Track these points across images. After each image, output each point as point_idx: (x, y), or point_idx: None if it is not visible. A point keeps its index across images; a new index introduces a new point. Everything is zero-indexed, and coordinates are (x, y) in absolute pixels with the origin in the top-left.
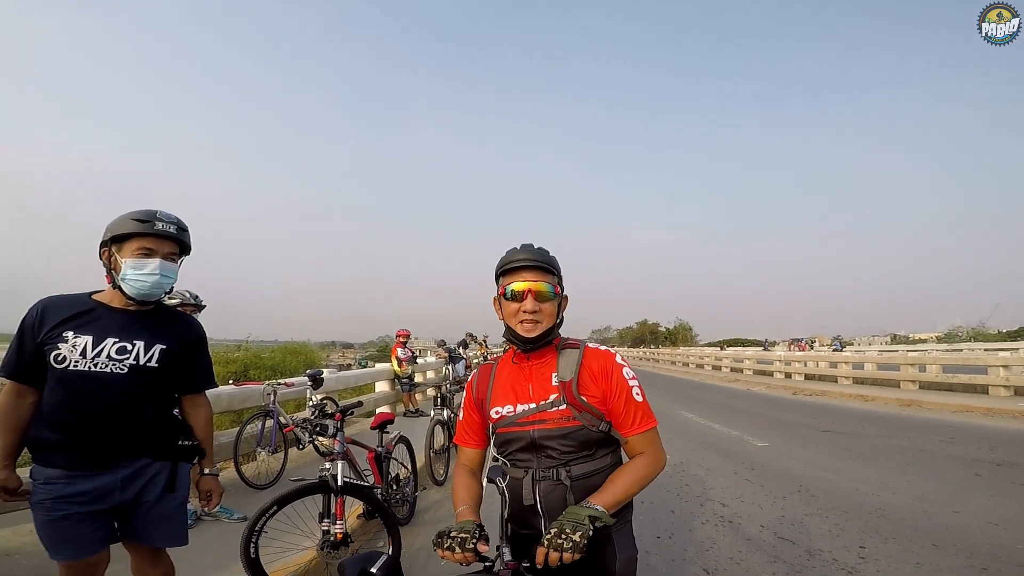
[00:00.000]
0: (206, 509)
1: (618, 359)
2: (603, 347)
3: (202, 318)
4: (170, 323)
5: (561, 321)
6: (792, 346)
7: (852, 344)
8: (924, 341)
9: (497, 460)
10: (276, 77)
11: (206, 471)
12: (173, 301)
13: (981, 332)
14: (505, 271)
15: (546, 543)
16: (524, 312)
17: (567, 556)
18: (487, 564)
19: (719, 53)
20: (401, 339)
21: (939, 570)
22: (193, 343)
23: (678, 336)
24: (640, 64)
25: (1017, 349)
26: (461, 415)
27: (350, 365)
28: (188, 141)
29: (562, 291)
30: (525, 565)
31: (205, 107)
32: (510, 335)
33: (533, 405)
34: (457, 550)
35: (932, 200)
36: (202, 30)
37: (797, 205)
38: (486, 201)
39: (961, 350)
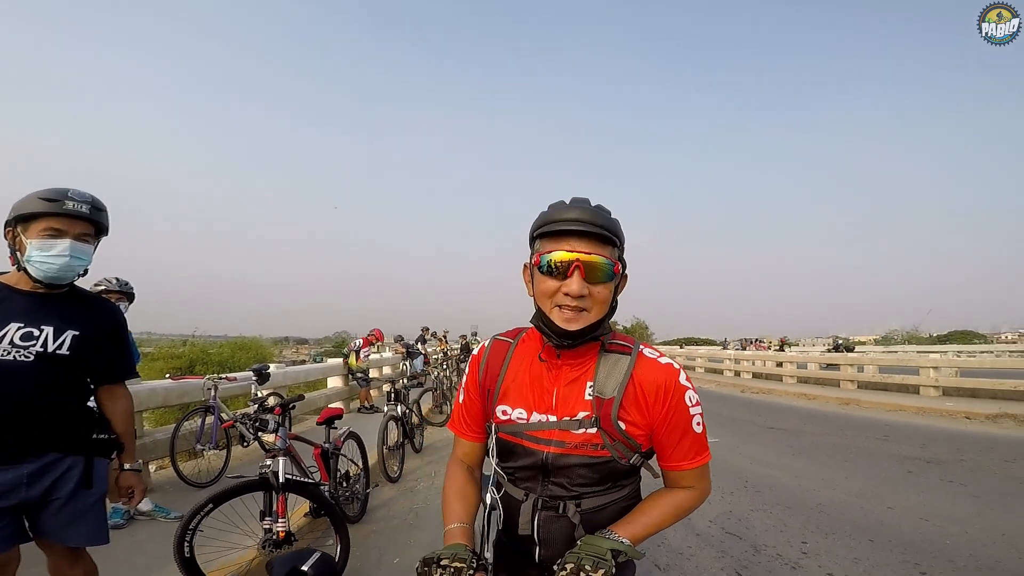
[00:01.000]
0: (129, 507)
1: (682, 378)
2: (665, 358)
3: (146, 311)
4: (86, 308)
5: (614, 309)
6: (752, 346)
7: (797, 345)
8: (863, 343)
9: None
10: (233, 65)
11: (127, 466)
12: (99, 288)
13: (915, 335)
14: (546, 233)
15: None
16: (566, 295)
17: None
18: None
19: (693, 52)
20: (373, 339)
21: (875, 565)
22: (112, 330)
23: (634, 335)
24: (617, 66)
25: (946, 352)
26: (460, 396)
27: (304, 361)
28: (135, 121)
29: (623, 269)
30: None
31: (159, 88)
32: (541, 321)
33: (554, 419)
34: None
35: (874, 214)
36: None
37: (748, 213)
38: (446, 195)
39: (896, 352)
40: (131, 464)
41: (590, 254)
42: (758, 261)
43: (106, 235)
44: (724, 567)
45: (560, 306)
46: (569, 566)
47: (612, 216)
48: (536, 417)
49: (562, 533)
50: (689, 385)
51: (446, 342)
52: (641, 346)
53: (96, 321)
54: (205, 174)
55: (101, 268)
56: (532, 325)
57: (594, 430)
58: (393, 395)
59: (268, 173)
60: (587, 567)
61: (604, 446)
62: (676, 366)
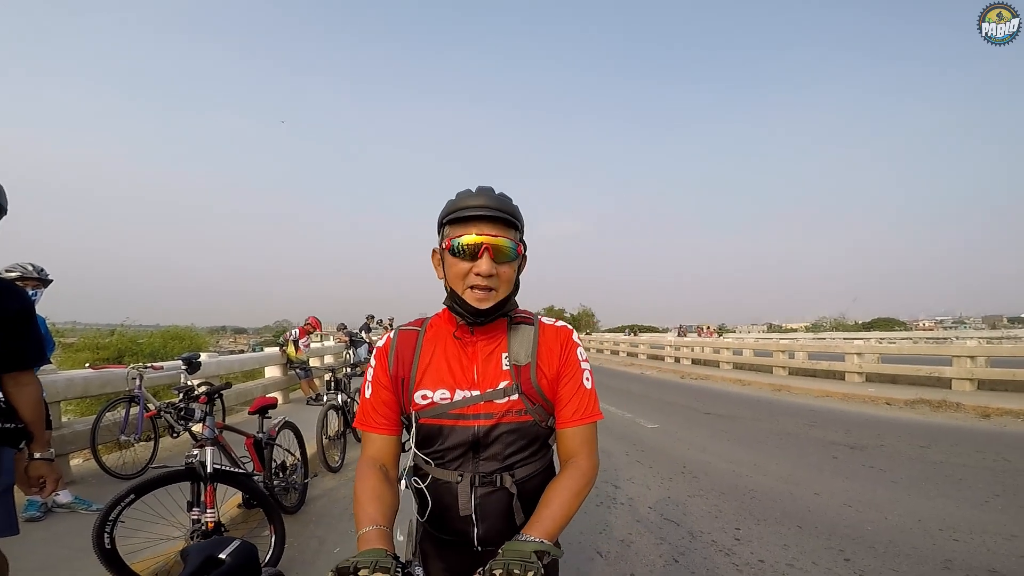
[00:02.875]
0: (43, 498)
1: (574, 336)
2: (560, 322)
3: (72, 300)
4: None
5: (517, 288)
6: (697, 332)
7: (733, 332)
8: (795, 330)
9: (412, 453)
10: (171, 44)
11: (37, 455)
12: (12, 274)
13: (842, 323)
14: (454, 219)
15: None
16: (477, 275)
17: None
18: None
19: (638, 44)
20: (310, 328)
21: (803, 551)
22: (16, 314)
23: (581, 322)
24: (562, 57)
25: (869, 338)
26: (367, 392)
27: (242, 351)
28: (62, 105)
29: (525, 249)
30: None
31: (88, 70)
32: (454, 302)
33: (477, 393)
34: None
35: (809, 206)
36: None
37: (688, 203)
38: (388, 182)
39: (824, 338)
40: (42, 453)
41: (496, 236)
42: (697, 250)
43: (4, 215)
44: (662, 554)
45: (472, 287)
46: (498, 571)
47: (513, 203)
48: (460, 394)
49: (500, 506)
50: (579, 343)
51: (392, 329)
52: (539, 316)
53: None
54: (146, 157)
55: (26, 252)
56: (437, 311)
57: (516, 396)
58: (333, 384)
59: (206, 157)
60: (516, 571)
61: (526, 411)
62: (569, 327)
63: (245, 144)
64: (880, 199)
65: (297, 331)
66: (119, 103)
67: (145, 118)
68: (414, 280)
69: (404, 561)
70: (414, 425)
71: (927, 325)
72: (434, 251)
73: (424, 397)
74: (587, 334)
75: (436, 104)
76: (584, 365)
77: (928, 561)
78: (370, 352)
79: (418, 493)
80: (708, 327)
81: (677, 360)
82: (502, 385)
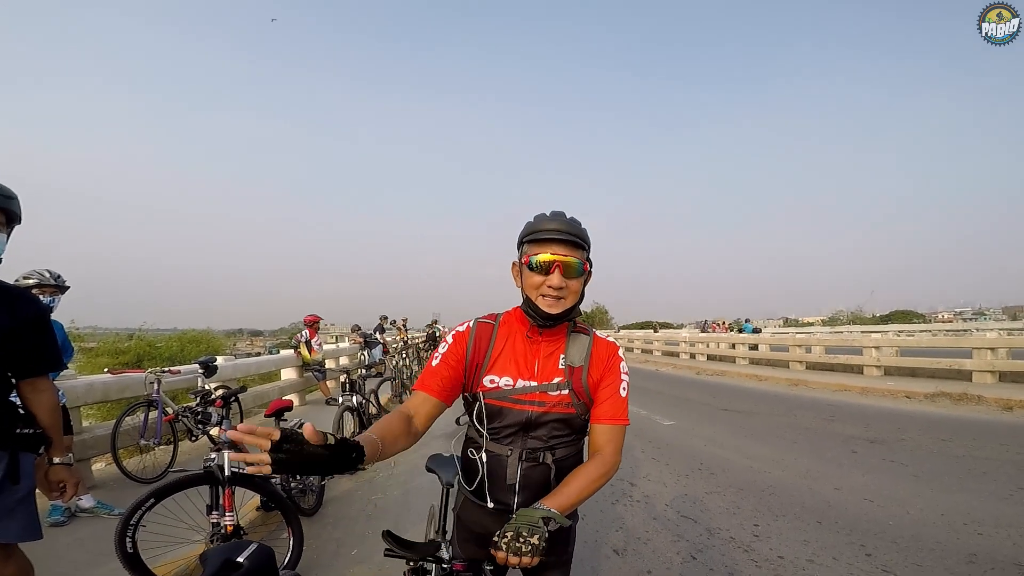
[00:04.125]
0: (65, 502)
1: (620, 352)
2: (610, 338)
3: (91, 305)
4: (0, 299)
5: (583, 298)
6: (714, 328)
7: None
8: (811, 324)
9: (466, 428)
10: (171, 44)
11: (56, 460)
12: (29, 281)
13: (859, 316)
14: (532, 239)
15: (504, 547)
16: (549, 287)
17: (526, 560)
18: (444, 566)
19: (649, 44)
20: (309, 323)
21: (824, 547)
22: (30, 321)
23: (595, 319)
24: (574, 54)
25: (887, 331)
26: (435, 361)
27: (259, 354)
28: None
29: (591, 267)
30: (488, 568)
31: (100, 72)
32: (529, 307)
33: (535, 383)
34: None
35: (826, 200)
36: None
37: (704, 200)
38: (405, 185)
39: (841, 332)
40: (61, 458)
41: (567, 256)
42: (712, 246)
43: (19, 223)
44: (680, 551)
45: (544, 295)
46: (509, 533)
47: (582, 226)
48: (521, 383)
49: (540, 478)
50: (623, 359)
51: (405, 331)
52: (595, 331)
53: (12, 312)
54: (166, 165)
55: (44, 259)
56: (506, 311)
57: (566, 392)
58: (348, 385)
59: (222, 164)
60: (524, 533)
61: (572, 404)
62: (617, 344)
63: (260, 147)
64: (897, 191)
65: (307, 332)
66: (134, 105)
67: (160, 120)
68: (429, 280)
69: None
70: (480, 403)
71: (946, 317)
72: (514, 264)
73: (492, 381)
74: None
75: (450, 104)
76: (624, 377)
77: (952, 555)
78: (384, 353)
79: (472, 463)
80: (723, 322)
81: (692, 356)
82: (556, 380)
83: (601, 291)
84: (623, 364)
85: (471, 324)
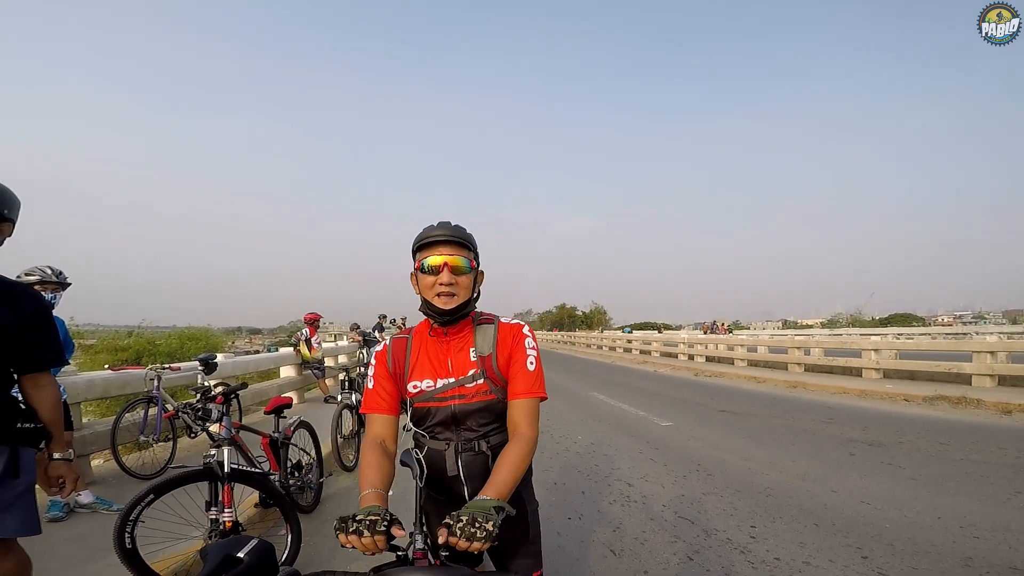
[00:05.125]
0: (64, 498)
1: (525, 330)
2: (515, 320)
3: (90, 303)
4: (0, 296)
5: (477, 296)
6: (713, 329)
7: (748, 328)
8: (810, 326)
9: (412, 432)
10: (169, 44)
11: (56, 456)
12: (31, 278)
13: (858, 319)
14: (422, 246)
15: (458, 532)
16: (440, 284)
17: (477, 545)
18: (400, 553)
19: (650, 42)
20: (310, 321)
21: (820, 549)
22: (31, 317)
23: (594, 320)
24: (569, 55)
25: (886, 334)
26: (370, 384)
27: (257, 351)
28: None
29: (478, 266)
30: (444, 553)
31: (95, 70)
32: (427, 308)
33: (452, 380)
34: (366, 533)
35: (823, 202)
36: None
37: (704, 200)
38: (406, 185)
39: (840, 335)
40: (61, 453)
41: (453, 255)
42: (713, 246)
43: (13, 222)
44: (676, 552)
45: (439, 294)
46: (464, 518)
47: (467, 231)
48: (441, 382)
49: (481, 466)
50: (531, 335)
51: (404, 328)
52: (500, 318)
53: (13, 308)
54: (166, 164)
55: (45, 256)
56: (417, 324)
57: (482, 380)
58: (347, 383)
59: (222, 161)
60: (479, 519)
61: (491, 391)
62: (522, 323)
63: (258, 144)
64: (898, 192)
65: (307, 330)
66: (133, 104)
67: (158, 119)
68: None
69: (393, 515)
70: (410, 409)
71: (946, 320)
72: (411, 274)
73: (415, 387)
74: (599, 332)
75: (450, 102)
76: (530, 352)
77: (948, 558)
78: None
79: (417, 463)
80: (723, 323)
81: (691, 357)
82: (470, 372)
83: (601, 291)
84: (528, 340)
85: (387, 342)
